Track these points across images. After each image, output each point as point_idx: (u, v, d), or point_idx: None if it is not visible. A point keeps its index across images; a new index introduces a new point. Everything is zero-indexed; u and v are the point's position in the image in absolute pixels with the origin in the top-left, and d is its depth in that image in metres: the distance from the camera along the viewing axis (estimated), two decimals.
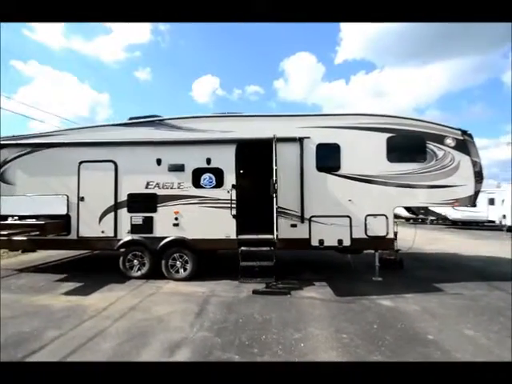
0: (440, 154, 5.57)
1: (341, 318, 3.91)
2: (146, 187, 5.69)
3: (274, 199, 4.71)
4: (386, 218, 5.47)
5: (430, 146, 5.57)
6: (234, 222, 5.52)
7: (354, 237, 5.43)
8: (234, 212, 5.53)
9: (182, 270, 5.60)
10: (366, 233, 5.46)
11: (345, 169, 5.53)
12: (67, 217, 5.71)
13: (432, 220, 18.05)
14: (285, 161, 5.37)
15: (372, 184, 5.50)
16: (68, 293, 4.76)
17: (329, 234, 5.44)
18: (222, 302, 4.42)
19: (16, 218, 5.59)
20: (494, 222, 16.47)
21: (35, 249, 6.19)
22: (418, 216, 14.08)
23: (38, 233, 5.18)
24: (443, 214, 15.47)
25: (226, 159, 5.62)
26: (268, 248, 5.35)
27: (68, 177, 5.79)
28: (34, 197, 5.75)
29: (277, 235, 4.62)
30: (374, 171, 5.50)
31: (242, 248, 5.37)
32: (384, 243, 5.55)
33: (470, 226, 17.31)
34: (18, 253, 7.74)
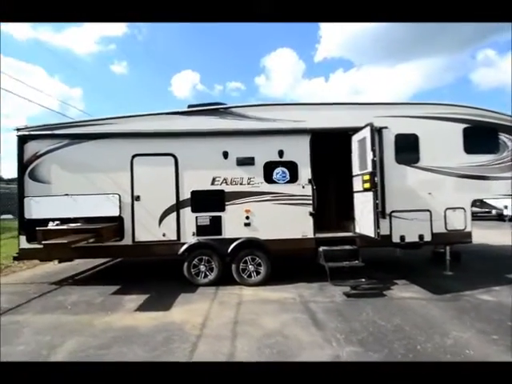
0: (510, 145, 5.53)
1: (465, 317, 3.66)
2: (212, 183, 5.07)
3: (372, 194, 4.34)
4: (465, 211, 5.33)
5: (502, 137, 5.50)
6: (310, 219, 5.08)
7: (434, 231, 5.23)
8: (310, 209, 5.10)
9: (255, 274, 5.08)
10: (445, 227, 5.28)
11: (424, 160, 5.28)
12: (120, 219, 4.94)
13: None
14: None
15: (451, 176, 5.31)
16: (142, 308, 4.06)
17: (410, 229, 5.17)
18: (326, 309, 3.99)
19: (57, 222, 4.73)
20: None
21: (86, 257, 5.30)
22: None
23: (93, 240, 4.40)
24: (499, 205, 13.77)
25: (299, 151, 5.15)
26: (351, 247, 5.00)
27: (119, 173, 5.01)
28: (77, 197, 4.91)
29: (378, 232, 4.26)
30: (452, 163, 5.32)
31: (324, 248, 4.96)
32: (462, 237, 5.41)
33: None
34: (29, 263, 6.72)
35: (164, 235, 4.98)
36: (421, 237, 5.22)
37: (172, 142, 5.06)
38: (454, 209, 5.31)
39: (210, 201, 5.06)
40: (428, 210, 5.25)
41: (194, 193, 5.04)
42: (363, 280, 4.72)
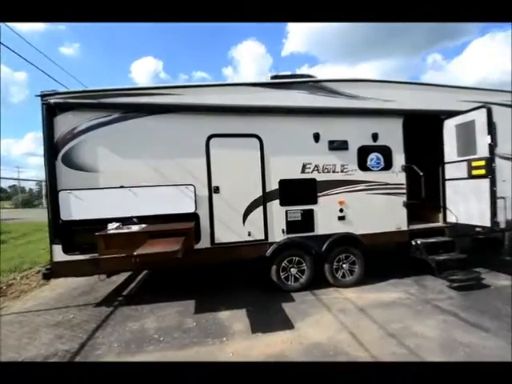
0: None
1: None
2: (303, 171, 4.28)
3: (489, 181, 4.05)
4: None
5: None
6: (405, 210, 4.64)
7: (508, 218, 5.25)
8: (404, 198, 4.66)
9: (349, 274, 4.51)
10: None
11: (500, 148, 5.22)
12: (195, 216, 3.88)
13: None
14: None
15: None
16: (259, 329, 3.16)
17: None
18: (456, 306, 3.64)
19: (117, 224, 3.48)
20: None
21: (148, 268, 4.04)
22: None
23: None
24: None
25: (393, 135, 4.62)
26: (447, 238, 4.72)
27: (191, 158, 3.90)
28: (136, 190, 3.70)
29: (496, 222, 4.00)
30: None
31: (422, 240, 4.58)
32: None
33: None
34: (35, 279, 5.16)
35: (249, 234, 4.08)
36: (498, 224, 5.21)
37: (255, 121, 4.10)
38: None
39: (300, 192, 4.27)
40: (503, 198, 5.24)
41: (282, 182, 4.19)
42: (475, 272, 4.47)
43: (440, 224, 4.92)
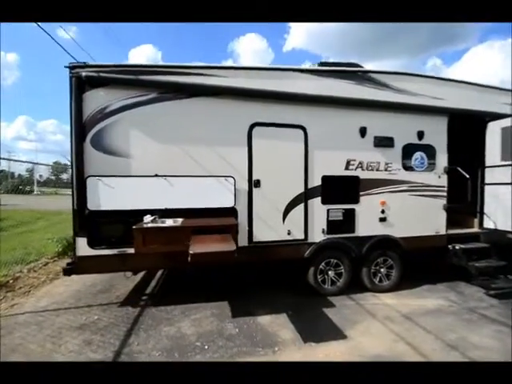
0: None
1: None
2: (346, 168, 4.00)
3: None
4: None
5: None
6: (444, 214, 4.44)
7: None
8: (444, 202, 4.45)
9: (386, 279, 4.29)
10: None
11: None
12: (233, 211, 3.55)
13: None
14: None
15: None
16: (310, 338, 2.90)
17: None
18: (502, 315, 3.47)
19: (153, 216, 3.11)
20: None
21: (178, 266, 3.66)
22: None
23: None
24: None
25: (438, 134, 4.39)
26: (485, 244, 4.55)
27: (231, 147, 3.55)
28: (172, 179, 3.33)
29: None
30: None
31: (461, 246, 4.40)
32: None
33: None
34: (43, 272, 4.73)
35: (289, 233, 3.78)
36: None
37: (301, 110, 3.77)
38: None
39: (343, 190, 4.00)
40: None
41: (325, 179, 3.90)
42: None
43: (476, 229, 4.76)
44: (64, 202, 15.00)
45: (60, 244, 5.30)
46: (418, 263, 5.54)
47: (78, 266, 3.21)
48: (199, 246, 2.45)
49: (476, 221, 4.86)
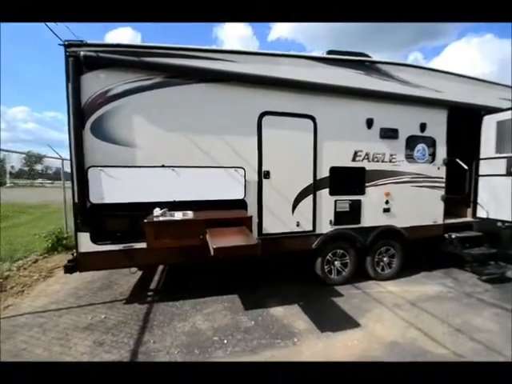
0: None
1: None
2: (354, 159, 3.99)
3: None
4: None
5: None
6: (442, 204, 4.60)
7: None
8: (443, 192, 4.60)
9: (387, 267, 4.41)
10: None
11: None
12: (242, 203, 3.44)
13: None
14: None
15: None
16: (328, 328, 2.92)
17: None
18: (498, 298, 3.71)
19: (163, 209, 2.94)
20: None
21: (188, 262, 3.51)
22: None
23: None
24: None
25: (439, 127, 4.49)
26: (478, 233, 4.78)
27: (241, 137, 3.41)
28: (179, 170, 3.16)
29: None
30: None
31: (457, 234, 4.60)
32: None
33: None
34: (36, 269, 4.43)
35: (298, 225, 3.75)
36: None
37: (311, 100, 3.68)
38: None
39: (350, 181, 4.01)
40: None
41: (333, 170, 3.88)
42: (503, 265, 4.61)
43: (469, 219, 4.99)
44: (43, 194, 14.11)
45: (49, 239, 4.96)
46: (413, 251, 5.77)
47: (80, 263, 3.01)
48: (221, 240, 2.35)
49: (469, 210, 5.09)
